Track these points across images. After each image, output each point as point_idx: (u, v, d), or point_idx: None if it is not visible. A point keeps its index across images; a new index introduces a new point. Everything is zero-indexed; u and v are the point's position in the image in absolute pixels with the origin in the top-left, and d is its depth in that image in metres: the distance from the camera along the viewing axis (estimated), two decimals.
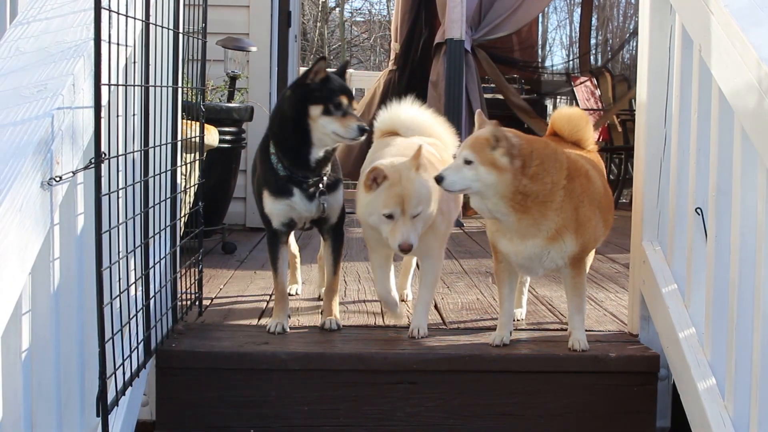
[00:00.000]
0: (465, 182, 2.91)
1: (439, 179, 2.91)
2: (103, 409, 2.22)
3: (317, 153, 3.24)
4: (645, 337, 3.29)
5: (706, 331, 2.76)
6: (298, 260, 4.06)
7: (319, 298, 3.91)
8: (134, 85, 2.64)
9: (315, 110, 3.16)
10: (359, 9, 26.58)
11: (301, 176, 3.25)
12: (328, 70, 3.21)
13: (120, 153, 2.46)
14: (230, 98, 5.84)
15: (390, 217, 3.00)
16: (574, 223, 3.02)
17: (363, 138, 3.17)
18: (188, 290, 3.43)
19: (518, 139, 2.94)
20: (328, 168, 3.31)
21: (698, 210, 2.90)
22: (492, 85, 9.49)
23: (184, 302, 3.40)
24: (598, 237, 3.20)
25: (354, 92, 3.44)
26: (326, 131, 3.16)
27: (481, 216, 3.09)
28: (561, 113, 3.54)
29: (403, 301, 3.71)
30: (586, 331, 3.26)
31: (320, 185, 3.28)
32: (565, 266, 3.11)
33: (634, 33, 11.83)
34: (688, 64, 3.01)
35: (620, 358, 3.13)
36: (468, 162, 2.91)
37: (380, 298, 3.38)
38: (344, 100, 3.15)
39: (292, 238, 3.75)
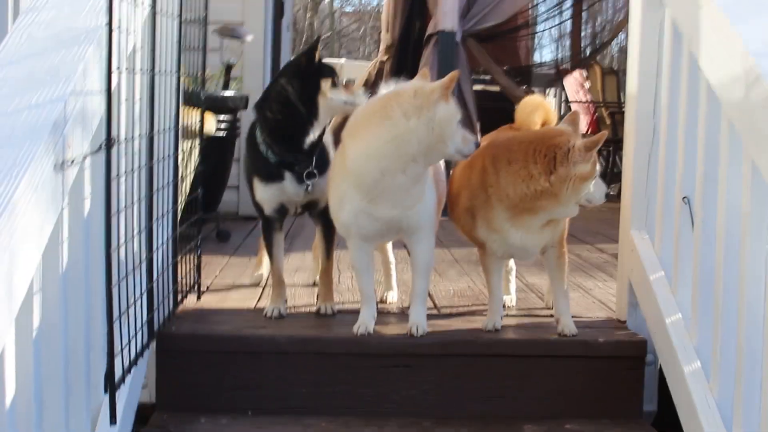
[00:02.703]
0: None
1: (610, 194, 3.11)
2: (111, 386, 2.29)
3: (315, 133, 3.34)
4: (633, 323, 3.37)
5: (693, 317, 2.84)
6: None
7: (314, 285, 3.98)
8: (143, 72, 2.70)
9: (326, 84, 3.31)
10: None
11: (293, 159, 3.33)
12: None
13: (126, 138, 2.52)
14: (226, 87, 5.90)
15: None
16: None
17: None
18: (187, 275, 3.50)
19: None
20: (317, 149, 3.39)
21: (685, 199, 2.98)
22: (483, 77, 9.56)
23: (183, 287, 3.47)
24: None
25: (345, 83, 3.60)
26: (336, 103, 3.31)
27: None
28: (520, 103, 3.58)
29: (383, 302, 3.68)
30: (576, 317, 3.34)
31: (310, 165, 3.35)
32: (552, 246, 3.22)
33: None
34: (677, 57, 3.08)
35: (609, 343, 3.21)
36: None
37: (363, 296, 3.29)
38: (344, 77, 3.34)
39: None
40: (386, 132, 2.94)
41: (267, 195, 3.41)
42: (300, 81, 3.31)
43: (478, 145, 3.00)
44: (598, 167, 3.04)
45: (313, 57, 3.32)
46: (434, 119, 2.90)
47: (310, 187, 3.34)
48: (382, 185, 3.00)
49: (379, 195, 3.02)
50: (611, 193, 3.12)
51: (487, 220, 3.17)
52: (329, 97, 3.30)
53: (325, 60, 3.44)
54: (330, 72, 3.34)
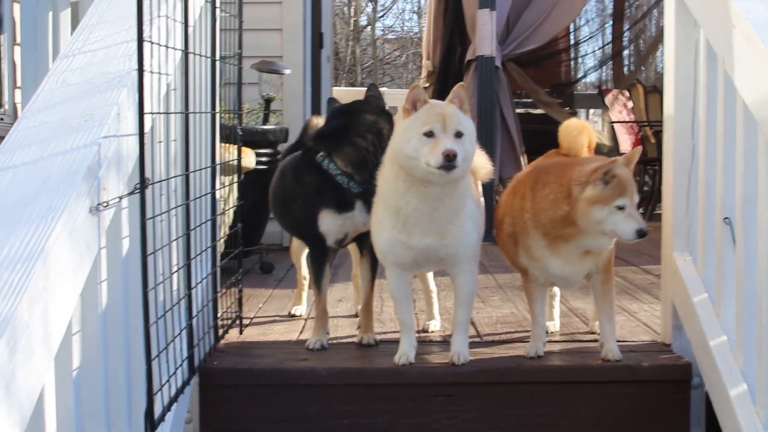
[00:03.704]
0: None
1: (644, 233, 2.90)
2: (151, 424, 2.31)
3: None
4: (677, 346, 3.33)
5: (737, 339, 2.80)
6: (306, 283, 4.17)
7: (356, 315, 3.98)
8: (175, 113, 2.75)
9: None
10: (391, 26, 26.74)
11: (373, 187, 3.35)
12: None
13: (163, 178, 2.56)
14: (265, 120, 5.96)
15: (430, 135, 2.88)
16: None
17: None
18: (228, 309, 3.53)
19: None
20: None
21: (726, 219, 2.94)
22: (525, 100, 9.56)
23: (225, 321, 3.50)
24: None
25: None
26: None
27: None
28: (562, 127, 3.54)
29: (425, 331, 3.68)
30: (620, 341, 3.31)
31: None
32: (596, 272, 3.19)
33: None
34: (713, 77, 3.06)
35: (653, 367, 3.18)
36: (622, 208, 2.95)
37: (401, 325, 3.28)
38: None
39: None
40: (387, 153, 3.11)
41: (336, 225, 3.42)
42: (387, 121, 3.43)
43: (449, 156, 2.81)
44: (623, 201, 2.91)
45: (380, 100, 3.49)
46: (394, 133, 3.04)
47: None
48: (405, 210, 3.02)
49: (406, 221, 3.04)
50: (646, 229, 2.91)
51: (526, 247, 3.15)
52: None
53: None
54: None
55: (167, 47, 2.47)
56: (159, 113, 2.49)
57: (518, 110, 8.63)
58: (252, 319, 4.00)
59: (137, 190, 2.23)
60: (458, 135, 2.91)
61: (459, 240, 3.10)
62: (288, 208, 3.60)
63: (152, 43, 2.30)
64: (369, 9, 25.69)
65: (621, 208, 2.91)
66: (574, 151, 3.34)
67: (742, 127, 2.76)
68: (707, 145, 3.14)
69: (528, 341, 3.35)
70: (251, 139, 5.32)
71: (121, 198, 2.22)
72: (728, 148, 2.93)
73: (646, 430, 3.14)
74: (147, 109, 2.27)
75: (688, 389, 3.16)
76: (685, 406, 3.16)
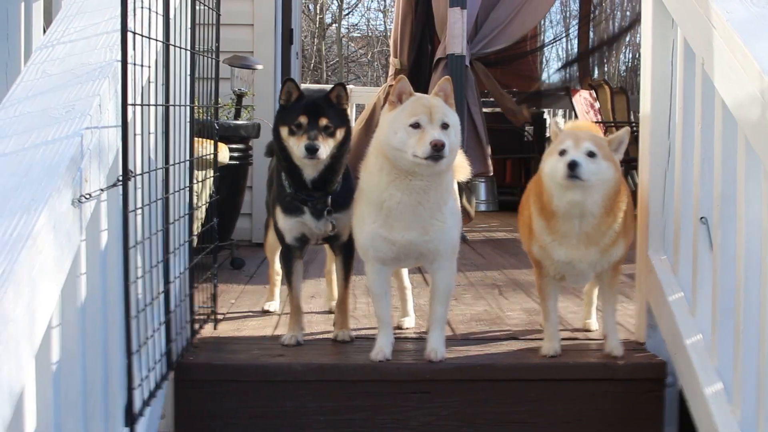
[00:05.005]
0: (590, 173, 2.95)
1: (574, 164, 2.91)
2: (131, 419, 2.28)
3: (308, 173, 3.30)
4: (652, 344, 3.36)
5: (713, 338, 2.82)
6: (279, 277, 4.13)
7: (329, 312, 3.97)
8: (157, 105, 2.72)
9: (284, 131, 3.27)
10: (356, 24, 26.67)
11: (305, 195, 3.32)
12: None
13: (141, 171, 2.53)
14: (237, 116, 5.92)
15: (417, 127, 2.90)
16: (626, 228, 3.16)
17: (312, 157, 3.17)
18: (203, 305, 3.50)
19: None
20: (336, 186, 3.36)
21: (703, 219, 2.97)
22: (491, 99, 9.58)
23: (200, 317, 3.47)
24: (632, 242, 3.32)
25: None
26: (292, 151, 3.24)
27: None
28: (567, 127, 3.59)
29: (399, 328, 3.66)
30: (595, 339, 3.33)
31: (327, 203, 3.33)
32: (605, 271, 3.21)
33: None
34: (690, 77, 3.08)
35: (628, 366, 3.20)
36: (592, 155, 2.96)
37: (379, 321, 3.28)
38: (303, 120, 3.20)
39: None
40: (372, 145, 3.09)
41: (288, 225, 3.40)
42: (274, 124, 3.33)
43: (437, 146, 2.84)
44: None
45: (280, 100, 3.30)
46: (380, 126, 3.04)
47: (334, 223, 3.33)
48: (388, 203, 3.02)
49: (389, 215, 3.04)
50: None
51: (534, 233, 3.19)
52: (288, 144, 3.25)
53: (310, 96, 3.32)
54: (289, 119, 3.24)
55: (150, 38, 2.44)
56: (141, 105, 2.46)
57: (485, 109, 8.66)
58: (225, 314, 3.97)
59: (120, 182, 2.20)
60: (444, 126, 2.93)
61: (441, 235, 3.10)
62: (269, 198, 3.61)
63: (135, 34, 2.27)
64: (334, 7, 25.63)
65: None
66: None
67: (720, 127, 2.78)
68: (684, 145, 3.16)
69: (503, 339, 3.36)
70: (224, 134, 5.29)
71: (103, 190, 2.19)
72: (705, 148, 2.95)
73: (620, 427, 3.16)
74: (130, 101, 2.24)
75: (662, 388, 3.19)
76: (659, 404, 3.18)
